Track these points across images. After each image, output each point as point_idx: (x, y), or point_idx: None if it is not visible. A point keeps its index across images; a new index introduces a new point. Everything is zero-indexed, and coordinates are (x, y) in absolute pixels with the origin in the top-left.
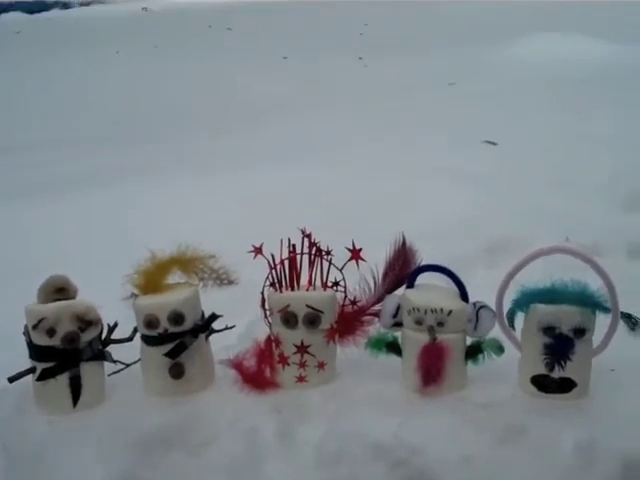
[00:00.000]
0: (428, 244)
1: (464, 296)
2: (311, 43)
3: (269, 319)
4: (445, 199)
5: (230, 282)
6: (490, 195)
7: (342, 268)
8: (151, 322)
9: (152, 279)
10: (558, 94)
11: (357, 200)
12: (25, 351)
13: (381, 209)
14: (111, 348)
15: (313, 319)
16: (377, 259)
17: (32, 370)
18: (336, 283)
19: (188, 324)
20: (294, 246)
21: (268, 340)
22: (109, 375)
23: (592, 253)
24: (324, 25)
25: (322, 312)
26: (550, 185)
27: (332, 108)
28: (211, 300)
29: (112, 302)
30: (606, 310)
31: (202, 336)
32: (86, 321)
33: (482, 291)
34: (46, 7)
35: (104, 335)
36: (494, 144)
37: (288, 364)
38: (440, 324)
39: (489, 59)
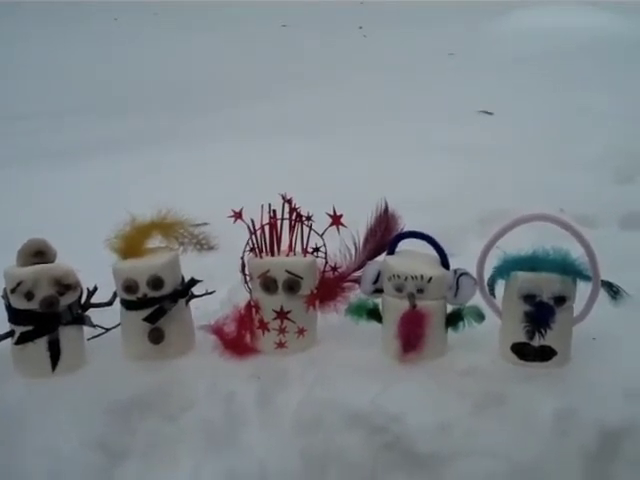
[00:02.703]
0: (421, 214)
1: (445, 263)
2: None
3: (249, 284)
4: (440, 171)
5: (210, 247)
6: (485, 167)
7: (323, 234)
8: (130, 286)
9: (132, 243)
10: (556, 65)
11: (351, 171)
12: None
13: (374, 180)
14: (91, 312)
15: (293, 285)
16: (363, 226)
17: (11, 334)
18: (316, 249)
19: (167, 289)
20: (274, 211)
21: (248, 306)
22: (89, 339)
23: (586, 224)
24: None
25: (302, 278)
26: (545, 157)
27: (330, 78)
28: (196, 266)
29: (93, 266)
30: (586, 278)
31: (182, 301)
32: (65, 285)
33: (474, 261)
34: None
35: (84, 299)
36: (490, 114)
37: (268, 330)
38: (420, 291)
39: (489, 30)
